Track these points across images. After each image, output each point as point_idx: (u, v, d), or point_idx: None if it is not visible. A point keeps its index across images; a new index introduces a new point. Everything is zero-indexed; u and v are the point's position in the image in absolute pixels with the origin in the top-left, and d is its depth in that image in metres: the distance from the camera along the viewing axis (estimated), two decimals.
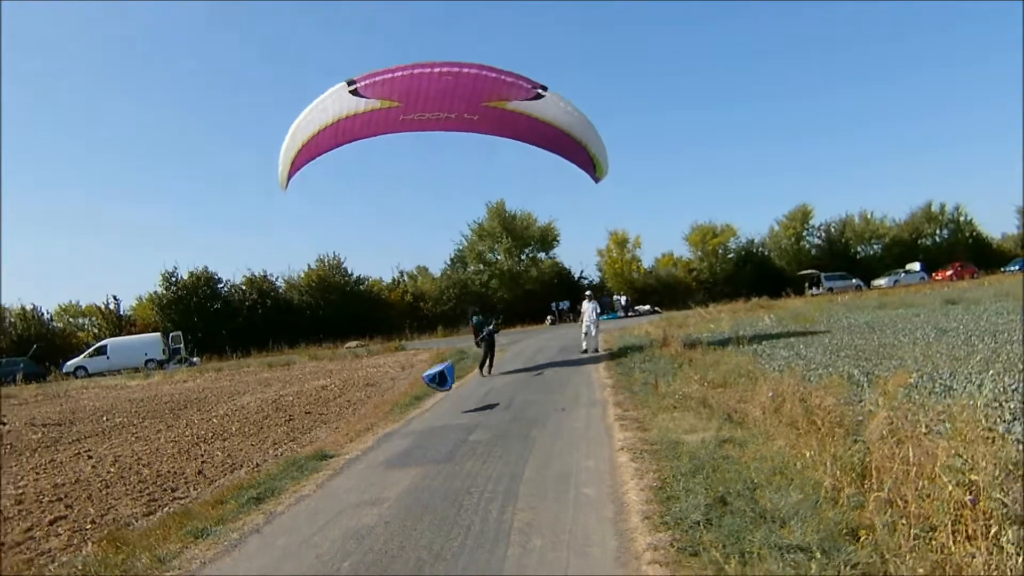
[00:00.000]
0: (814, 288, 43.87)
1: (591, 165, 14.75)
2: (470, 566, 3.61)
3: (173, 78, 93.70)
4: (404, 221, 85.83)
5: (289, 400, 14.75)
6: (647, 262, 52.79)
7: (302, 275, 44.34)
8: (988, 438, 3.49)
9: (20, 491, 7.68)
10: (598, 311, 17.74)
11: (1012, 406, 6.01)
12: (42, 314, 41.45)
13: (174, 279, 40.17)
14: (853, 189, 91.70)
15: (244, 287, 42.36)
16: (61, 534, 5.83)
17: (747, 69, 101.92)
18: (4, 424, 15.05)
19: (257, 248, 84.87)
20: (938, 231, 53.61)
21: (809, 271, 46.18)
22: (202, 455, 9.08)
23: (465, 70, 12.02)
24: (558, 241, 50.03)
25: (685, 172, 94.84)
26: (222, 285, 42.07)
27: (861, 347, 11.75)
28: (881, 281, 44.21)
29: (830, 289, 42.51)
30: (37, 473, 8.76)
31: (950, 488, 2.96)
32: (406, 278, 49.27)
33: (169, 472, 8.08)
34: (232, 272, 60.37)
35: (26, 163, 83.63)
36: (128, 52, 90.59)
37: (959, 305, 20.04)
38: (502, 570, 3.51)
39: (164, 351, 34.30)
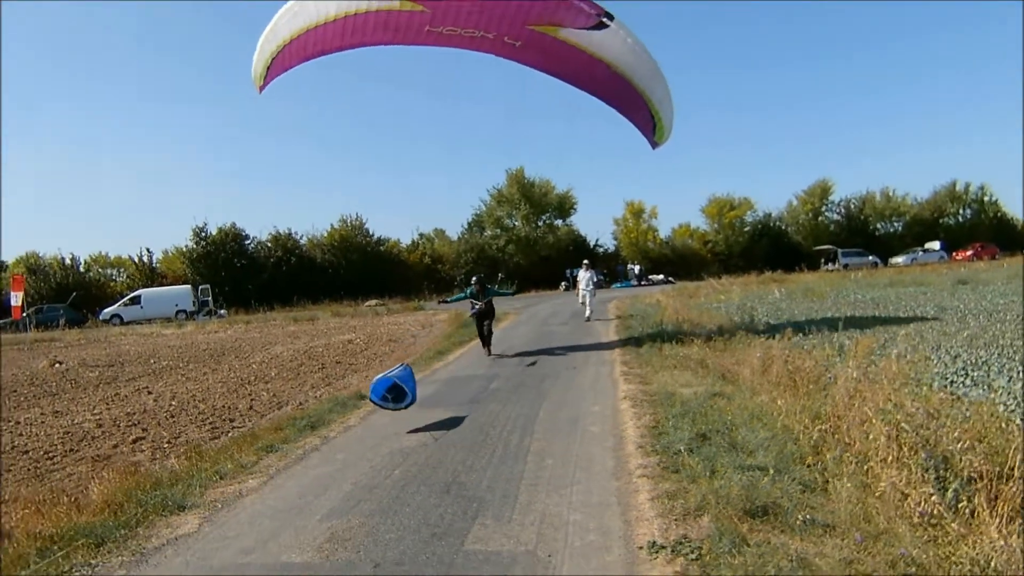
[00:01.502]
0: (830, 264, 43.98)
1: (651, 124, 11.53)
2: (496, 476, 4.52)
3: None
4: (424, 183, 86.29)
5: (319, 351, 15.82)
6: (664, 232, 53.19)
7: (325, 234, 45.49)
8: (921, 393, 4.27)
9: (98, 417, 8.80)
10: (594, 280, 18.22)
11: (976, 375, 6.77)
12: (78, 264, 43.18)
13: (204, 234, 41.48)
14: (876, 166, 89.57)
15: (270, 244, 43.62)
16: (144, 450, 6.87)
17: (768, 33, 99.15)
18: (61, 363, 16.39)
19: (283, 205, 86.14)
20: (961, 210, 52.99)
21: (826, 247, 46.18)
22: (249, 394, 10.12)
23: None
24: (575, 209, 50.52)
25: (704, 142, 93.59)
26: (249, 241, 43.37)
27: (860, 320, 12.43)
28: (899, 259, 44.21)
29: (846, 265, 42.58)
30: (107, 404, 9.88)
31: (877, 425, 3.74)
32: (424, 240, 50.22)
33: (223, 407, 9.12)
34: (259, 229, 61.76)
35: (64, 110, 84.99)
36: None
37: (968, 285, 20.46)
38: (521, 478, 4.41)
39: (194, 303, 35.82)
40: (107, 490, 4.66)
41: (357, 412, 7.40)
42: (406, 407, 6.72)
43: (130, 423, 8.24)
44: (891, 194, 52.58)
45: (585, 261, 19.19)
